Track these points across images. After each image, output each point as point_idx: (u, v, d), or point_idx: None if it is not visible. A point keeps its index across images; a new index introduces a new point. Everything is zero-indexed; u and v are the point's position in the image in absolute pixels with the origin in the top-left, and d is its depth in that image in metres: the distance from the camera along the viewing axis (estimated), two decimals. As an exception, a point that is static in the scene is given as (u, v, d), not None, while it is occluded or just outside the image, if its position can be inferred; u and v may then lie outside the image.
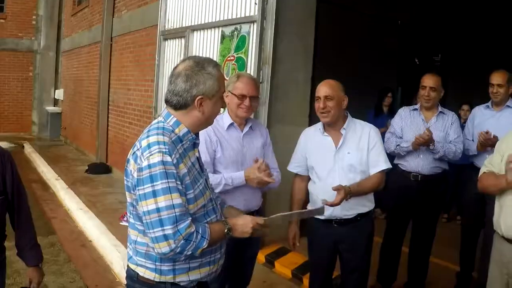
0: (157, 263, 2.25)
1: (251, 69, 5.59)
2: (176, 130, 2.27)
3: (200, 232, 2.16)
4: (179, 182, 2.14)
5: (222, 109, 2.49)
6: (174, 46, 7.57)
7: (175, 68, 2.33)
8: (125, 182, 2.28)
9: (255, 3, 5.58)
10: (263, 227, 2.42)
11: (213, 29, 6.47)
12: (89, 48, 13.25)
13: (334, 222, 3.53)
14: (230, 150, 3.36)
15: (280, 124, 5.60)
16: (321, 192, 3.44)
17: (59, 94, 16.71)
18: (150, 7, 8.88)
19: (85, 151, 13.42)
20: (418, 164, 4.64)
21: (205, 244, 2.17)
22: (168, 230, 2.07)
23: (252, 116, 3.70)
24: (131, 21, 9.94)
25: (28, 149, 13.98)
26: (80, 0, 14.97)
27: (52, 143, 15.54)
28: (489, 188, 3.27)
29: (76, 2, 15.30)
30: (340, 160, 3.46)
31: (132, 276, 2.36)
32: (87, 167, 10.99)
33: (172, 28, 7.61)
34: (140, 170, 2.12)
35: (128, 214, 2.35)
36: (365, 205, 3.55)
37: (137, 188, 2.14)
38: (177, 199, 2.10)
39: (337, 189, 3.17)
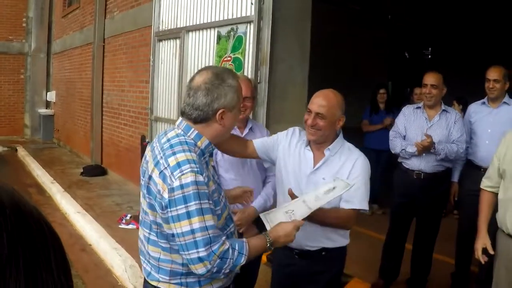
0: (182, 278, 2.27)
1: (248, 69, 5.59)
2: (199, 143, 2.25)
3: (236, 248, 2.16)
4: (211, 202, 2.13)
5: None
6: (169, 47, 7.56)
7: (192, 80, 2.28)
8: (147, 200, 2.24)
9: (252, 3, 5.57)
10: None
11: (209, 30, 6.45)
12: (81, 49, 13.18)
13: (295, 253, 3.05)
14: (227, 157, 3.37)
15: (278, 124, 5.59)
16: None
17: (51, 96, 16.62)
18: (143, 8, 8.85)
19: (79, 153, 13.37)
20: (421, 163, 4.68)
21: (243, 261, 2.17)
22: (203, 252, 2.07)
23: (250, 117, 3.71)
24: (123, 22, 9.90)
25: (22, 152, 13.90)
26: (70, 1, 14.90)
27: (46, 146, 15.45)
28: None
29: (67, 3, 15.23)
30: (312, 184, 2.90)
31: None
32: (82, 170, 10.94)
33: (166, 29, 7.59)
34: (171, 190, 2.07)
35: (148, 231, 2.31)
36: (332, 239, 2.99)
37: (168, 209, 2.09)
38: (209, 221, 2.09)
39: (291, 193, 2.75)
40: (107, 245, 6.02)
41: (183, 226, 2.06)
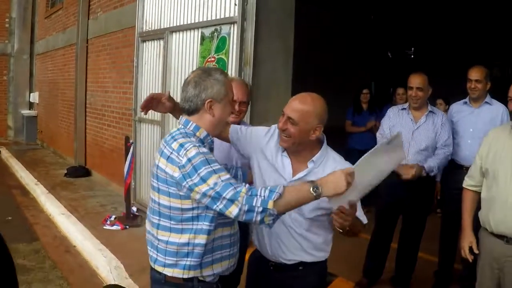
0: (187, 260, 2.43)
1: (232, 70, 5.60)
2: (197, 134, 2.47)
3: (267, 189, 2.24)
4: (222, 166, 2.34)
5: None
6: (152, 47, 7.55)
7: (186, 79, 2.55)
8: (158, 187, 2.44)
9: (235, 4, 5.59)
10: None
11: (192, 30, 6.45)
12: (64, 50, 13.12)
13: (270, 265, 2.83)
14: (218, 152, 3.37)
15: (262, 125, 5.57)
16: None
17: (34, 97, 16.54)
18: (126, 9, 8.83)
19: (62, 155, 13.30)
20: (407, 163, 4.65)
21: (275, 196, 2.19)
22: (228, 194, 2.21)
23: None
24: (107, 22, 9.87)
25: (5, 153, 13.80)
26: (53, 2, 14.83)
27: (29, 147, 15.36)
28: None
29: (50, 4, 15.16)
30: None
31: (159, 279, 2.52)
32: (66, 171, 10.89)
33: (150, 29, 7.58)
34: (182, 167, 2.29)
35: (158, 218, 2.48)
36: (310, 253, 2.75)
37: (185, 182, 2.28)
38: (224, 176, 2.27)
39: None
40: (91, 247, 6.01)
41: (202, 188, 2.24)
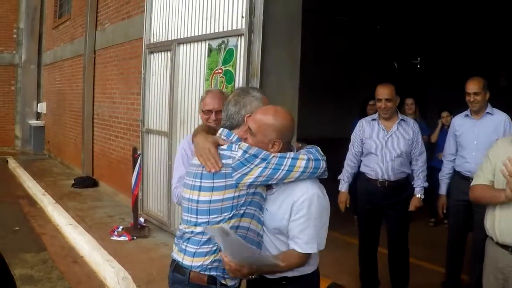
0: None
1: (239, 81, 5.63)
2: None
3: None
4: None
5: None
6: (160, 59, 7.59)
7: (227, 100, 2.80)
8: (202, 185, 2.59)
9: (242, 17, 5.62)
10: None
11: (199, 42, 6.49)
12: (72, 61, 13.21)
13: (258, 279, 2.66)
14: None
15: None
16: None
17: (42, 107, 16.62)
18: (133, 20, 8.90)
19: (70, 165, 13.36)
20: (384, 171, 4.82)
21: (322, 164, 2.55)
22: (288, 162, 2.47)
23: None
24: (114, 34, 9.94)
25: (13, 164, 13.85)
26: (61, 13, 14.93)
27: (36, 157, 15.44)
28: (482, 200, 3.35)
29: (57, 15, 15.27)
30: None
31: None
32: (73, 181, 10.94)
33: (157, 41, 7.62)
34: (237, 159, 2.48)
35: (195, 216, 2.61)
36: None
37: (239, 170, 2.46)
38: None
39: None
40: (99, 257, 6.02)
41: (274, 158, 2.47)
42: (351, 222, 7.06)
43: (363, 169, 5.00)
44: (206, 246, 2.56)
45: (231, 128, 2.68)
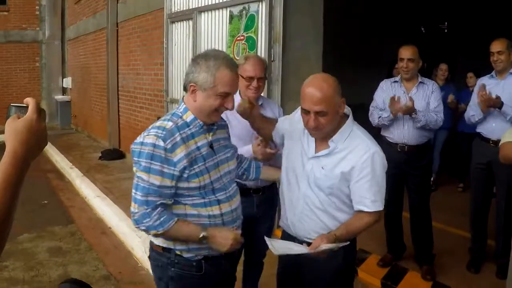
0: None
1: (261, 47, 5.56)
2: (184, 116, 2.46)
3: (161, 220, 2.35)
4: (166, 166, 2.33)
5: None
6: (182, 28, 7.54)
7: None
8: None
9: (263, -19, 5.53)
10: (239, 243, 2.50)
11: (220, 10, 6.41)
12: (95, 35, 13.21)
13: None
14: (240, 128, 3.37)
15: (293, 101, 5.57)
16: (288, 207, 2.80)
17: (67, 82, 16.73)
18: (154, -10, 8.83)
19: (97, 138, 13.47)
20: (404, 135, 4.73)
21: (160, 231, 2.36)
22: (138, 195, 2.35)
23: (262, 95, 3.73)
24: (136, 5, 9.89)
25: (40, 139, 13.96)
26: (83, -13, 14.91)
27: (64, 132, 15.60)
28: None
29: (79, -11, 15.25)
30: (312, 168, 2.63)
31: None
32: (100, 154, 11.05)
33: (179, 10, 7.56)
34: (134, 143, 2.39)
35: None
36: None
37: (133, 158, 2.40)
38: (155, 181, 2.33)
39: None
40: (126, 228, 6.06)
41: (136, 172, 2.36)
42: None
43: (383, 132, 4.92)
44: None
45: (184, 87, 2.47)
